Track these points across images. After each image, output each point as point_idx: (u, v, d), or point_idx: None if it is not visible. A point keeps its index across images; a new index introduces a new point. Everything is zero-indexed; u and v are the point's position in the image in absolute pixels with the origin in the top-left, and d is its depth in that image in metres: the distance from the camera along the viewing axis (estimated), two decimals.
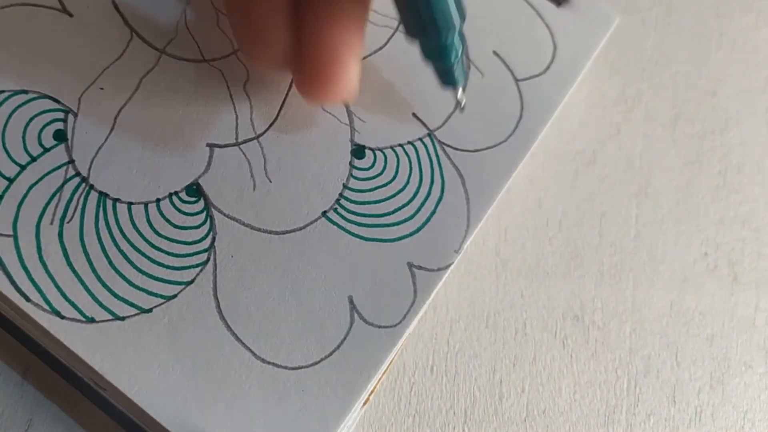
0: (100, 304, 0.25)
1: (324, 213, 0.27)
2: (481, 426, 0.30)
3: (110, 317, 0.25)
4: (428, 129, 0.29)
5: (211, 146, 0.27)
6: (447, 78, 0.27)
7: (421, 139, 0.29)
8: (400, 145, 0.28)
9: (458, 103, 0.27)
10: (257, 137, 0.27)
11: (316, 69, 0.24)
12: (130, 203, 0.26)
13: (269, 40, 0.24)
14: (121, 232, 0.26)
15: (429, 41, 0.25)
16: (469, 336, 0.31)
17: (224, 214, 0.26)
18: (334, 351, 0.25)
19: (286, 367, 0.25)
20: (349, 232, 0.27)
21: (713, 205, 0.34)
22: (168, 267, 0.25)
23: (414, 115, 0.29)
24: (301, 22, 0.24)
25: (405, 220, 0.27)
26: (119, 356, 0.24)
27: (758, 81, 0.36)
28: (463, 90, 0.27)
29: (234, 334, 0.25)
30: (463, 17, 0.25)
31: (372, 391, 0.27)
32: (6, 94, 0.26)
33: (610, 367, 0.31)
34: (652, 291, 0.32)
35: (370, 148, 0.28)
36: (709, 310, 0.32)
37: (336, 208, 0.27)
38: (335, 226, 0.27)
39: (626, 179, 0.34)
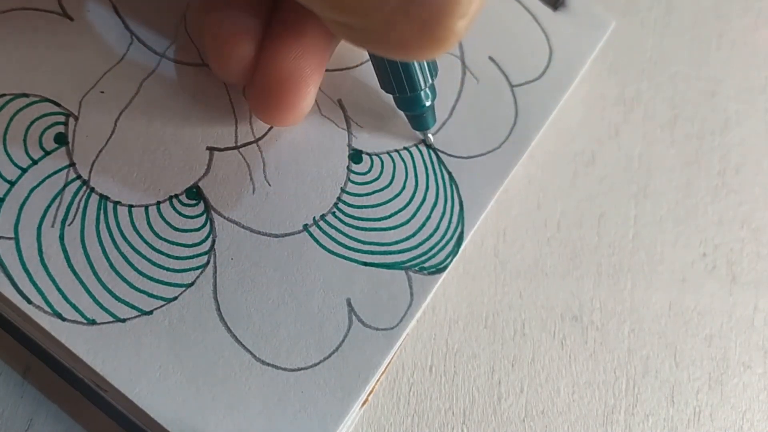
0: (101, 306, 0.25)
1: (322, 216, 0.27)
2: (479, 426, 0.30)
3: (111, 319, 0.25)
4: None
5: (211, 149, 0.27)
6: (417, 124, 0.28)
7: (416, 145, 0.29)
8: (396, 151, 0.29)
9: (428, 144, 0.29)
10: (256, 141, 0.28)
11: (269, 92, 0.25)
12: (130, 206, 0.26)
13: (231, 55, 0.25)
14: (122, 234, 0.26)
15: (400, 97, 0.28)
16: (468, 336, 0.31)
17: (224, 217, 0.26)
18: (332, 353, 0.25)
19: (285, 369, 0.25)
20: (347, 236, 0.27)
21: (712, 206, 0.34)
22: (168, 269, 0.26)
23: None
24: (263, 44, 0.25)
25: (401, 225, 0.27)
26: (120, 358, 0.24)
27: (758, 81, 0.37)
28: (432, 134, 0.29)
29: (234, 336, 0.25)
30: (433, 76, 0.27)
31: (371, 392, 0.27)
32: (7, 98, 0.26)
33: (609, 367, 0.31)
34: (651, 291, 0.32)
35: (368, 153, 0.28)
36: (708, 310, 0.32)
37: (334, 212, 0.27)
38: (333, 230, 0.27)
39: (625, 180, 0.34)
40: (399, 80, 0.27)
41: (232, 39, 0.25)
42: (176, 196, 0.27)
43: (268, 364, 0.25)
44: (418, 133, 0.29)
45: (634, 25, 0.37)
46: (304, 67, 0.25)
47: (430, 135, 0.29)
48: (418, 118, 0.28)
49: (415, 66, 0.26)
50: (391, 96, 0.28)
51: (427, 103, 0.27)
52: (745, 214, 0.34)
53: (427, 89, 0.27)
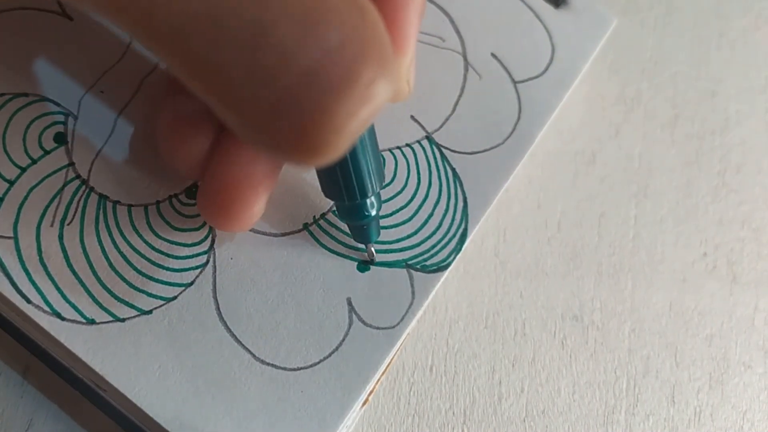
0: (101, 306, 0.25)
1: (323, 215, 0.27)
2: (480, 426, 0.30)
3: (110, 319, 0.25)
4: (426, 131, 0.29)
5: None
6: (360, 236, 0.26)
7: (419, 142, 0.29)
8: (399, 148, 0.29)
9: (369, 259, 0.27)
10: None
11: (217, 199, 0.24)
12: (130, 205, 0.26)
13: (183, 148, 0.24)
14: (121, 234, 0.26)
15: (344, 205, 0.25)
16: (469, 336, 0.31)
17: None
18: (332, 352, 0.25)
19: (285, 369, 0.25)
20: (348, 234, 0.27)
21: (713, 206, 0.34)
22: (168, 269, 0.26)
23: (412, 117, 0.29)
24: (218, 140, 0.24)
25: (403, 222, 0.27)
26: (119, 358, 0.24)
27: (758, 81, 0.36)
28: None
29: (233, 335, 0.25)
30: (380, 184, 0.25)
31: (371, 392, 0.27)
32: (7, 97, 0.26)
33: (609, 367, 0.31)
34: (651, 291, 0.32)
35: None
36: (709, 310, 0.32)
37: (335, 210, 0.27)
38: (334, 228, 0.27)
39: (625, 179, 0.34)
40: (348, 183, 0.24)
41: (186, 131, 0.24)
42: (176, 195, 0.26)
43: (268, 364, 0.25)
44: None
45: (634, 24, 0.37)
46: (256, 173, 0.23)
47: (372, 249, 0.27)
48: (362, 228, 0.26)
49: (367, 167, 0.24)
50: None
51: (373, 213, 0.25)
52: (745, 214, 0.34)
53: (373, 198, 0.25)
